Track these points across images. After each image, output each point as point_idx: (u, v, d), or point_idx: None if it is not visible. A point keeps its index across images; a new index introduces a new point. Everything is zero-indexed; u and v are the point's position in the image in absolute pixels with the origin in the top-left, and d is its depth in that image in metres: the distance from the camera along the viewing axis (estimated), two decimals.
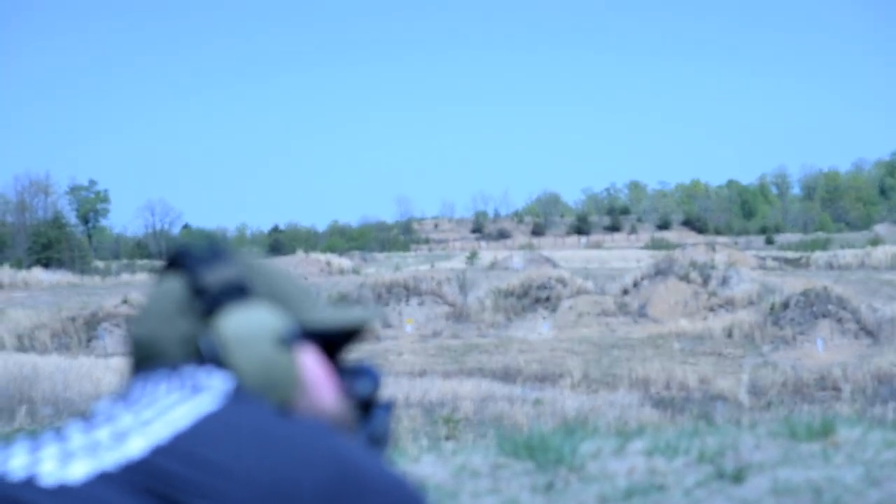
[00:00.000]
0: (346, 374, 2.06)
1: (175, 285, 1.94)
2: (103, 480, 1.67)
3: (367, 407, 2.06)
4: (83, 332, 42.95)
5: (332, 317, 2.04)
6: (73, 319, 44.01)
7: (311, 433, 1.81)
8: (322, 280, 57.52)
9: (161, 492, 1.67)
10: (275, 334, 1.91)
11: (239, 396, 1.82)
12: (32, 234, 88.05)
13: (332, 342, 2.07)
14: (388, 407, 2.10)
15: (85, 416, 1.87)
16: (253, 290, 1.95)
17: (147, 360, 1.92)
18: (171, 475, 1.68)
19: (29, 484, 1.66)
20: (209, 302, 1.91)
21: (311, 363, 1.98)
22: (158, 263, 2.02)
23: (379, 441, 2.05)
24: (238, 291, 1.93)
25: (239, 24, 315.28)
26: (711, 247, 64.02)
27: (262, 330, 1.90)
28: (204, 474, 1.68)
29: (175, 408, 1.78)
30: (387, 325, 46.72)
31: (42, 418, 22.70)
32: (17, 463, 1.71)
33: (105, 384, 26.12)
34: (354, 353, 2.15)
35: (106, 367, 29.91)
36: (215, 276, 1.93)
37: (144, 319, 1.94)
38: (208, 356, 1.90)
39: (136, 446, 1.71)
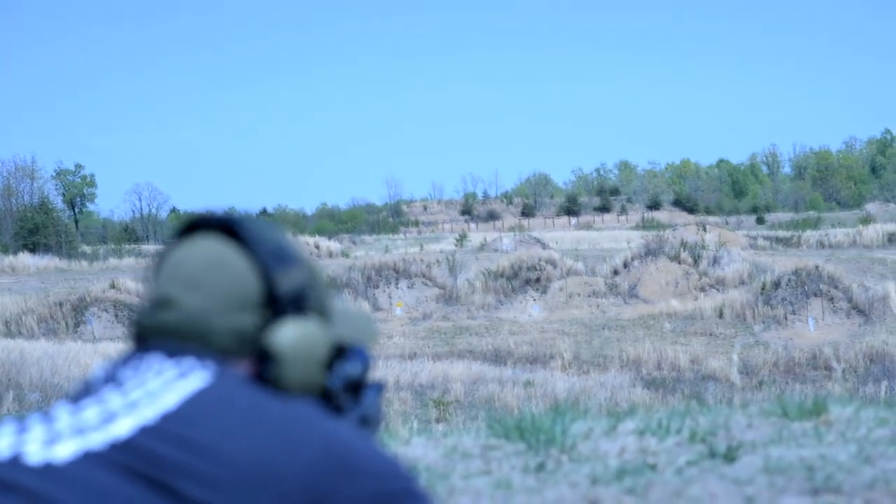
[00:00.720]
0: (337, 356, 2.04)
1: (247, 273, 1.89)
2: (89, 459, 1.65)
3: (357, 388, 2.04)
4: (71, 318, 42.91)
5: (345, 332, 2.03)
6: (61, 304, 43.96)
7: (299, 414, 1.79)
8: None
9: (147, 471, 1.64)
10: (323, 356, 1.92)
11: (229, 378, 1.80)
12: (19, 219, 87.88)
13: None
14: (378, 388, 2.08)
15: (73, 394, 1.84)
16: (310, 301, 1.94)
17: (183, 331, 1.86)
18: (157, 455, 1.66)
19: (14, 463, 1.64)
20: (277, 308, 1.89)
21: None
22: (201, 218, 1.96)
23: (369, 422, 2.03)
24: (300, 302, 1.92)
25: (227, 9, 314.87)
26: (702, 227, 64.04)
27: (316, 351, 1.90)
28: (190, 455, 1.66)
29: (163, 387, 1.76)
30: (377, 308, 46.76)
31: (30, 404, 22.69)
32: (3, 443, 1.69)
33: (93, 369, 26.10)
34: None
35: (94, 351, 29.93)
36: (288, 282, 1.91)
37: (199, 290, 1.88)
38: (259, 358, 1.89)
39: (124, 427, 1.69)
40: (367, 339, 2.08)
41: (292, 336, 1.87)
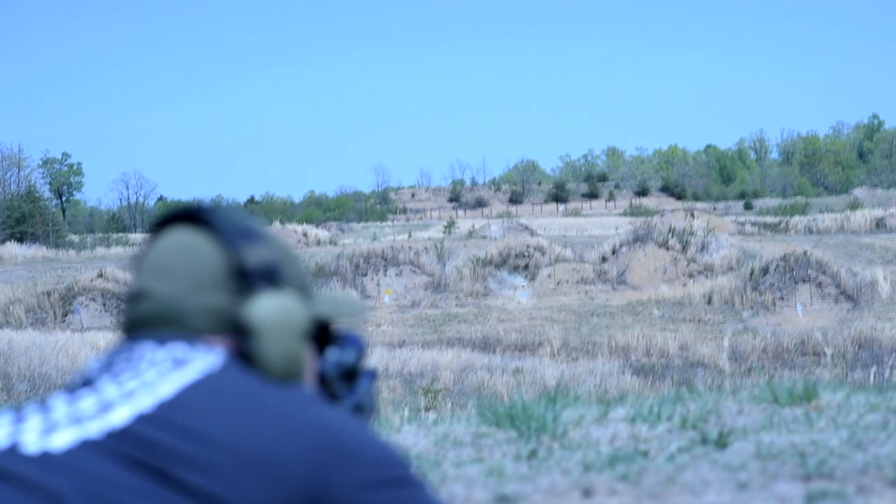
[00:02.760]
0: (331, 344, 2.05)
1: (211, 253, 1.91)
2: (86, 448, 1.65)
3: (351, 376, 2.04)
4: (58, 307, 42.84)
5: (328, 309, 2.03)
6: (49, 294, 43.90)
7: (295, 402, 1.79)
8: (299, 251, 57.41)
9: (144, 460, 1.65)
10: (303, 328, 1.91)
11: (225, 367, 1.81)
12: (6, 208, 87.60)
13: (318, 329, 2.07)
14: (372, 376, 2.09)
15: (69, 385, 1.85)
16: (283, 276, 1.93)
17: (159, 318, 1.89)
18: (155, 443, 1.66)
19: (11, 452, 1.64)
20: (248, 282, 1.90)
21: (309, 357, 1.98)
22: (172, 211, 1.99)
23: (363, 410, 2.04)
24: (272, 275, 1.91)
25: None
26: (690, 213, 64.05)
27: (295, 323, 1.89)
28: (187, 442, 1.66)
29: (160, 377, 1.76)
30: (365, 295, 46.75)
31: (18, 394, 22.65)
32: (0, 433, 1.69)
33: (81, 358, 26.07)
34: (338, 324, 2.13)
35: (82, 341, 29.84)
36: (255, 257, 1.91)
37: (168, 277, 1.90)
38: (236, 334, 1.90)
39: (121, 416, 1.70)
40: (355, 316, 2.08)
41: (266, 307, 1.87)
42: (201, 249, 1.91)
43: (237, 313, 1.89)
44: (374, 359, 29.13)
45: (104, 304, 42.64)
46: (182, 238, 1.93)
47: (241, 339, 1.88)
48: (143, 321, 1.90)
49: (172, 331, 1.87)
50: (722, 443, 4.85)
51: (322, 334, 2.05)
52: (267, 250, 1.93)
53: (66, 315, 42.35)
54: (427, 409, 20.39)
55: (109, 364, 1.85)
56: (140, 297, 1.91)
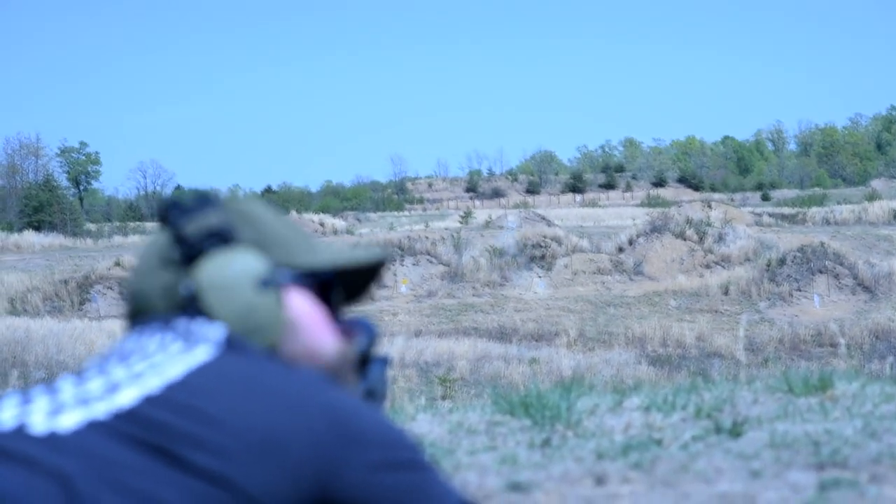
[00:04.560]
0: (343, 329, 2.04)
1: (160, 238, 1.94)
2: (93, 429, 1.65)
3: (363, 362, 2.04)
4: (76, 295, 42.97)
5: (331, 258, 2.02)
6: (66, 282, 44.02)
7: (304, 384, 1.78)
8: None
9: (152, 441, 1.65)
10: (255, 278, 1.89)
11: (233, 346, 1.81)
12: (23, 197, 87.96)
13: (347, 284, 2.10)
14: (384, 361, 2.08)
15: (78, 370, 1.86)
16: (236, 236, 1.92)
17: (138, 312, 1.93)
18: (162, 424, 1.66)
19: (18, 433, 1.64)
20: (188, 250, 1.90)
21: (301, 305, 1.95)
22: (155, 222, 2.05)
23: (375, 395, 2.03)
24: (219, 238, 1.90)
25: None
26: (707, 203, 63.91)
27: (240, 275, 1.88)
28: (195, 424, 1.66)
29: (168, 360, 1.77)
30: (382, 285, 46.70)
31: (35, 381, 22.71)
32: (7, 414, 1.69)
33: (98, 347, 26.15)
34: (352, 311, 2.12)
35: (99, 329, 29.95)
36: (196, 225, 1.91)
37: (135, 273, 1.95)
38: (186, 304, 1.89)
39: (128, 397, 1.70)
40: (368, 261, 2.08)
41: (207, 266, 1.88)
42: (155, 236, 1.96)
43: (184, 282, 1.90)
44: (391, 348, 29.15)
45: (121, 293, 42.66)
46: (149, 240, 1.99)
47: (197, 308, 1.89)
48: (132, 314, 1.95)
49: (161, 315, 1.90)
50: (736, 432, 4.84)
51: (347, 289, 2.07)
52: (213, 217, 1.93)
53: (84, 303, 42.49)
54: (443, 398, 20.42)
55: (118, 349, 1.87)
56: (125, 301, 1.98)
